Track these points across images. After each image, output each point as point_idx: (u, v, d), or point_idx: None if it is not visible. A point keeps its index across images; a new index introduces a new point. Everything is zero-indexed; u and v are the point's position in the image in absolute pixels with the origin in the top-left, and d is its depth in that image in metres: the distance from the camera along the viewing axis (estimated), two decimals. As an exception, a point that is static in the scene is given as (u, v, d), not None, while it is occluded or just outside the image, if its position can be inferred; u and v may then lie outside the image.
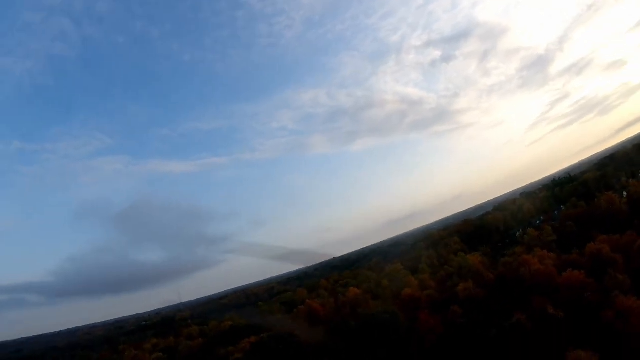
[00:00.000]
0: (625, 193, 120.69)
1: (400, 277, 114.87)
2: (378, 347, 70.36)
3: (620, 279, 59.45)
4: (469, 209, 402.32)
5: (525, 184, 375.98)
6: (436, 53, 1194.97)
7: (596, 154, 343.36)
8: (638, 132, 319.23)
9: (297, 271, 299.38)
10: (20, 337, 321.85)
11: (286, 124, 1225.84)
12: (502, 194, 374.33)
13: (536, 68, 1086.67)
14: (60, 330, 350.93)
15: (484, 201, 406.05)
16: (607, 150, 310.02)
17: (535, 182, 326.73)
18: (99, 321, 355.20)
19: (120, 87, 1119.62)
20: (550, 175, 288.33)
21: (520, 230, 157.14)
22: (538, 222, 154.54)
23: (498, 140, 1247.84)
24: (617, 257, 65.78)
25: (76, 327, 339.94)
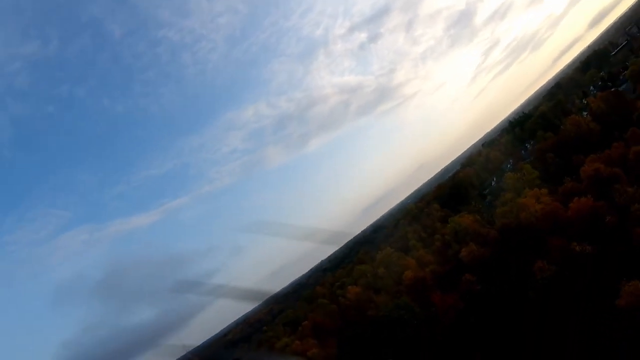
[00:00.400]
0: (585, 113, 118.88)
1: (394, 260, 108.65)
2: (393, 347, 63.36)
3: (631, 191, 54.44)
4: (437, 173, 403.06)
5: (483, 134, 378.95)
6: (362, 36, 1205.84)
7: (541, 87, 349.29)
8: (574, 56, 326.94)
9: (291, 283, 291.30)
10: None
11: (236, 146, 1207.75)
12: (464, 150, 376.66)
13: (462, 24, 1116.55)
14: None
15: (448, 162, 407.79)
16: (550, 81, 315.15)
17: (492, 130, 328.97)
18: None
19: (62, 157, 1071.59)
20: (505, 120, 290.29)
21: (495, 179, 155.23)
22: (509, 166, 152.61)
23: (444, 102, 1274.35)
24: (617, 171, 61.00)
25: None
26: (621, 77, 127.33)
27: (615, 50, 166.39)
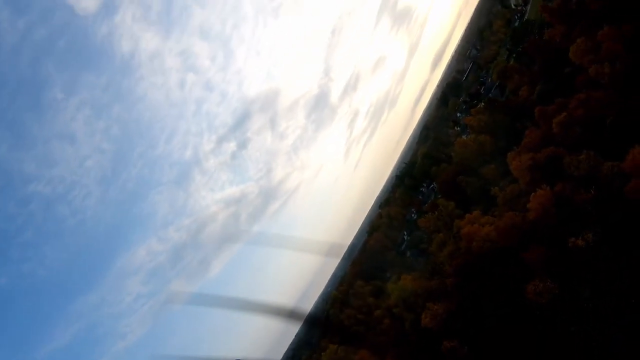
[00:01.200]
0: (465, 136, 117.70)
1: (343, 357, 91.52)
2: None
3: (584, 157, 45.59)
4: (346, 252, 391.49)
5: (375, 197, 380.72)
6: (232, 145, 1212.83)
7: (411, 136, 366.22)
8: (428, 98, 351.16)
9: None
10: None
11: (139, 291, 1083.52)
12: (364, 218, 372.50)
13: (320, 106, 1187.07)
14: None
15: (354, 234, 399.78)
16: (416, 128, 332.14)
17: (383, 191, 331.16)
18: None
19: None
20: (391, 177, 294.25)
21: (406, 232, 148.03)
22: (414, 215, 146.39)
23: (328, 183, 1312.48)
24: (551, 149, 52.28)
25: None
26: (482, 92, 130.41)
27: (465, 75, 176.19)
